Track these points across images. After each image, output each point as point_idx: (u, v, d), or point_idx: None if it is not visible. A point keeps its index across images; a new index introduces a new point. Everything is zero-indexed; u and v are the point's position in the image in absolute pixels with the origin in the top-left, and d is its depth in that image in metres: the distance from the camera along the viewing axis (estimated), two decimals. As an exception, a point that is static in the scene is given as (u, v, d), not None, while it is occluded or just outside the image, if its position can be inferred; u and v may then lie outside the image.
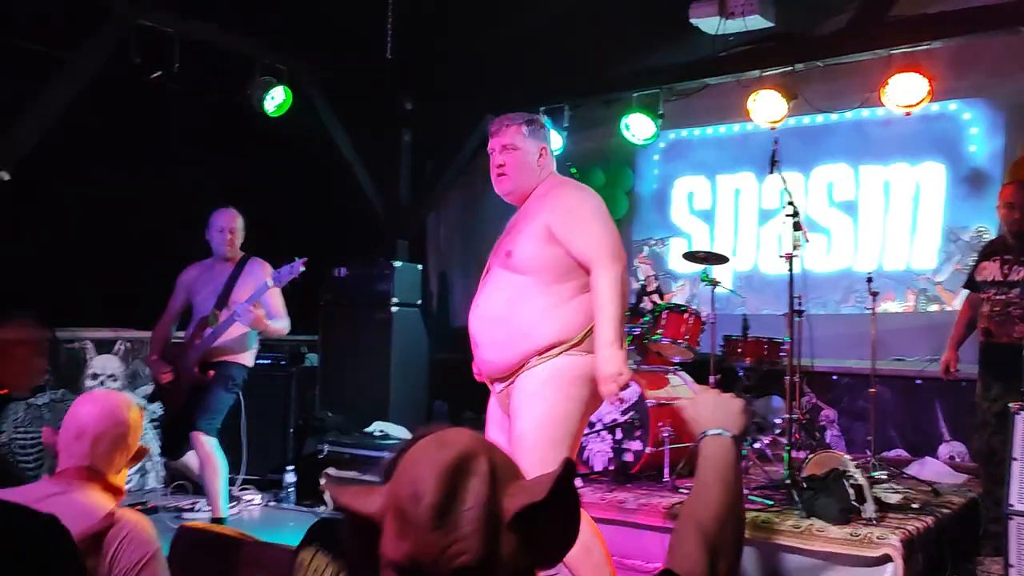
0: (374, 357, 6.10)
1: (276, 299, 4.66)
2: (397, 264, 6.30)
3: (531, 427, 2.76)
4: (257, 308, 4.50)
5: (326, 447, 5.49)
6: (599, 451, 4.90)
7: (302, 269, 4.47)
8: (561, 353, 2.79)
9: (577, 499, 1.05)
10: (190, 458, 4.72)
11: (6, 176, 4.72)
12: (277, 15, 5.74)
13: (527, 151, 2.97)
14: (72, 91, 5.13)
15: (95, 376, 5.60)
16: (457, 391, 6.89)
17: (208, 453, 4.52)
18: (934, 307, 5.85)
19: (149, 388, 5.82)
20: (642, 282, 5.99)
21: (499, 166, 2.97)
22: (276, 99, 5.98)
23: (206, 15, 5.57)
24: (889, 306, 5.87)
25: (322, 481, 5.37)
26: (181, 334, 4.89)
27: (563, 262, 2.82)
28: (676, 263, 6.76)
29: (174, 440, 4.71)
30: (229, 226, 4.73)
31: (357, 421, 5.80)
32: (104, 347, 5.66)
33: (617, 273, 2.77)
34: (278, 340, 6.09)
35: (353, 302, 6.31)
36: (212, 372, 4.59)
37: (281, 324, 4.71)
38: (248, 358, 4.78)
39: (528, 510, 1.01)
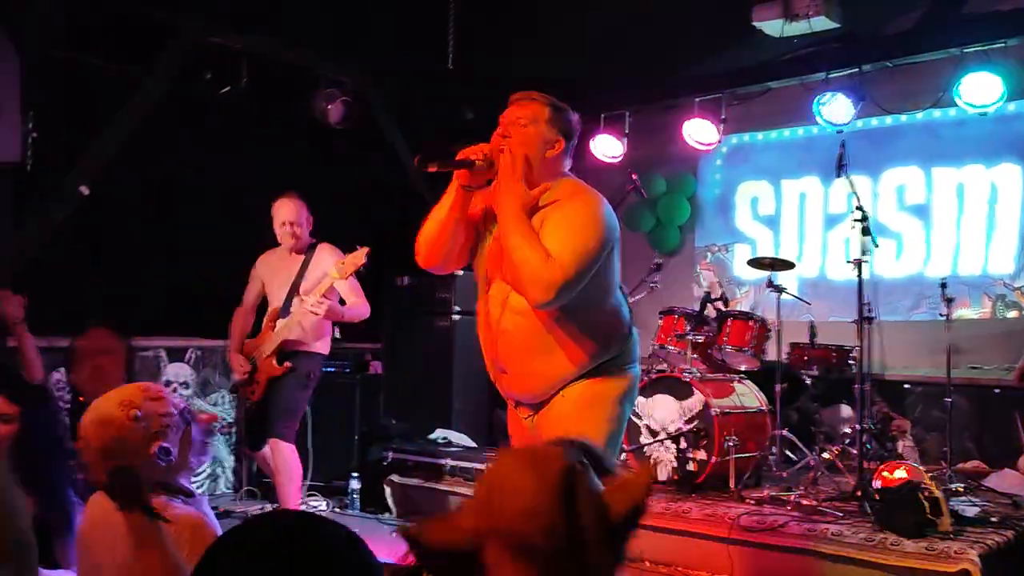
0: (436, 365, 6.15)
1: (347, 286, 4.54)
2: (459, 272, 6.32)
3: None
4: (328, 299, 4.39)
5: (390, 454, 5.55)
6: (663, 460, 4.85)
7: (365, 261, 4.40)
8: (591, 376, 2.64)
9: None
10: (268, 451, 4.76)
11: (86, 190, 4.89)
12: (339, 27, 5.84)
13: (541, 135, 2.58)
14: (146, 108, 5.30)
15: (168, 383, 5.76)
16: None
17: (284, 460, 4.52)
18: (1012, 313, 5.64)
19: (219, 395, 6.00)
20: (706, 289, 5.90)
21: (502, 136, 2.58)
22: (338, 111, 6.08)
23: (270, 30, 5.71)
24: (964, 312, 5.67)
25: (387, 489, 5.43)
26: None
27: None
28: (740, 269, 6.66)
29: (256, 433, 4.72)
30: (290, 219, 4.63)
31: (420, 428, 5.85)
32: (176, 355, 5.82)
33: (549, 277, 2.39)
34: (343, 348, 6.20)
35: (415, 311, 6.37)
36: (288, 364, 4.55)
37: (357, 310, 4.58)
38: (323, 346, 4.71)
39: (633, 511, 1.04)
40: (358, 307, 4.59)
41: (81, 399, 4.72)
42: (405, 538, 1.08)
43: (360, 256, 4.36)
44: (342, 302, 4.56)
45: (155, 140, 5.44)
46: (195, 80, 5.42)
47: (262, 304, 4.79)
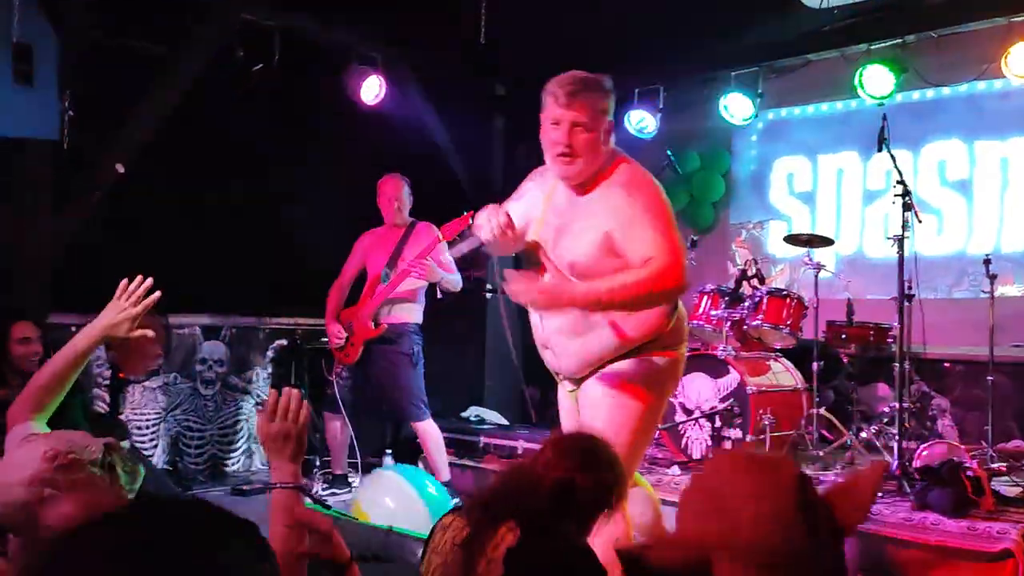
0: (469, 343, 6.16)
1: (444, 256, 4.84)
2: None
3: (605, 426, 2.63)
4: (428, 261, 4.68)
5: (423, 431, 5.56)
6: (697, 439, 4.82)
7: (469, 222, 4.49)
8: (636, 352, 2.69)
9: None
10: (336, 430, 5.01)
11: (121, 169, 4.93)
12: (371, 5, 5.80)
13: (601, 131, 2.58)
14: (182, 86, 5.32)
15: (203, 361, 5.82)
16: (548, 377, 6.88)
17: (425, 435, 4.84)
18: (1057, 290, 5.51)
19: (254, 372, 6.05)
20: (741, 267, 5.82)
21: (566, 145, 2.55)
22: (371, 88, 6.06)
23: (301, 6, 5.69)
24: (1007, 290, 5.54)
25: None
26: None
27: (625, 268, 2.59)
28: (776, 247, 6.56)
29: (359, 406, 4.98)
30: (395, 194, 4.97)
31: (453, 406, 5.86)
32: (211, 333, 5.88)
33: (663, 285, 2.47)
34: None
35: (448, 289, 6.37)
36: (384, 324, 4.81)
37: (453, 276, 4.88)
38: (418, 313, 4.97)
39: (860, 519, 1.02)
40: (452, 275, 4.88)
41: (120, 375, 4.81)
42: (624, 561, 1.02)
43: (465, 220, 4.51)
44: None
45: (192, 118, 5.47)
46: (229, 58, 5.42)
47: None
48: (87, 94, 4.87)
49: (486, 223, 2.65)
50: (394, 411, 5.04)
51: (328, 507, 3.53)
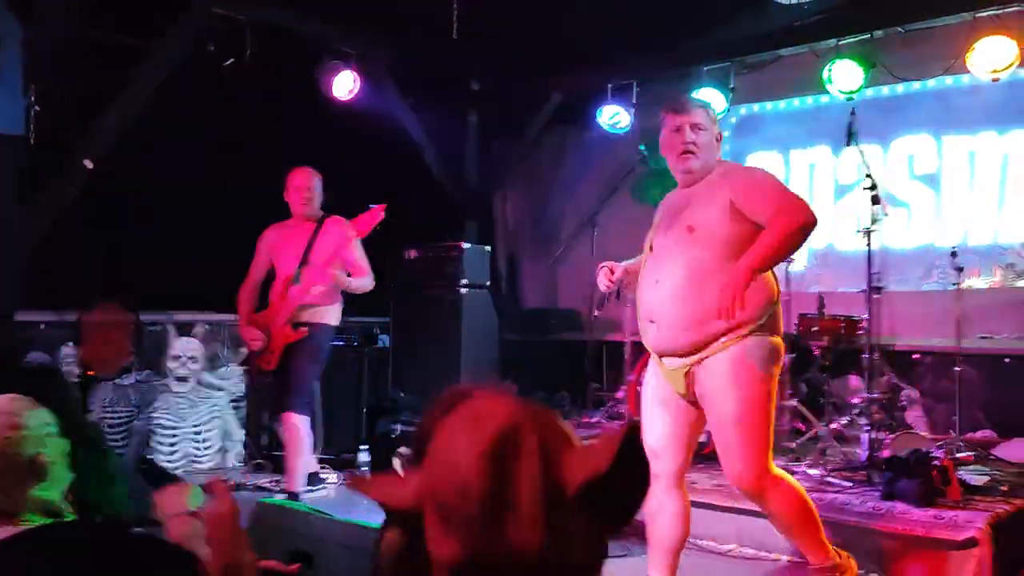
0: (444, 338, 6.15)
1: (356, 253, 4.62)
2: (466, 245, 6.33)
3: (739, 410, 2.82)
4: (334, 268, 4.47)
5: (398, 427, 5.57)
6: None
7: (382, 216, 4.46)
8: (751, 333, 2.83)
9: (644, 460, 0.95)
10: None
11: (90, 164, 4.88)
12: (343, 0, 5.78)
13: (712, 132, 3.02)
14: (154, 81, 5.27)
15: (176, 358, 5.78)
16: (527, 371, 6.90)
17: (294, 431, 4.57)
18: (1023, 282, 5.59)
19: (228, 369, 6.02)
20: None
21: (689, 142, 2.96)
22: (344, 83, 6.03)
23: (275, 1, 5.65)
24: (974, 282, 5.62)
25: (396, 462, 5.45)
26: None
27: (745, 238, 2.82)
28: (749, 240, 6.61)
29: (277, 402, 4.78)
30: (306, 184, 4.70)
31: (429, 401, 5.84)
32: (184, 329, 5.84)
33: (798, 221, 2.79)
34: (351, 322, 6.19)
35: (423, 284, 6.36)
36: (304, 329, 4.58)
37: (363, 281, 4.66)
38: (333, 316, 4.75)
39: (593, 481, 0.90)
40: (362, 279, 4.65)
41: (90, 373, 4.76)
42: (355, 488, 1.01)
43: (377, 213, 4.39)
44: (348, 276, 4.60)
45: (163, 113, 5.42)
46: (200, 53, 5.38)
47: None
48: (58, 88, 4.82)
49: (601, 280, 3.14)
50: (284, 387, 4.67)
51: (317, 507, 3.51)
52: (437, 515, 0.91)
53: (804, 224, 2.81)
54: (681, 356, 2.89)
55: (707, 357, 2.84)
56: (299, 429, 4.58)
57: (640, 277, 3.04)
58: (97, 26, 5.08)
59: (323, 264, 4.51)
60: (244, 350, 4.84)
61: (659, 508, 2.96)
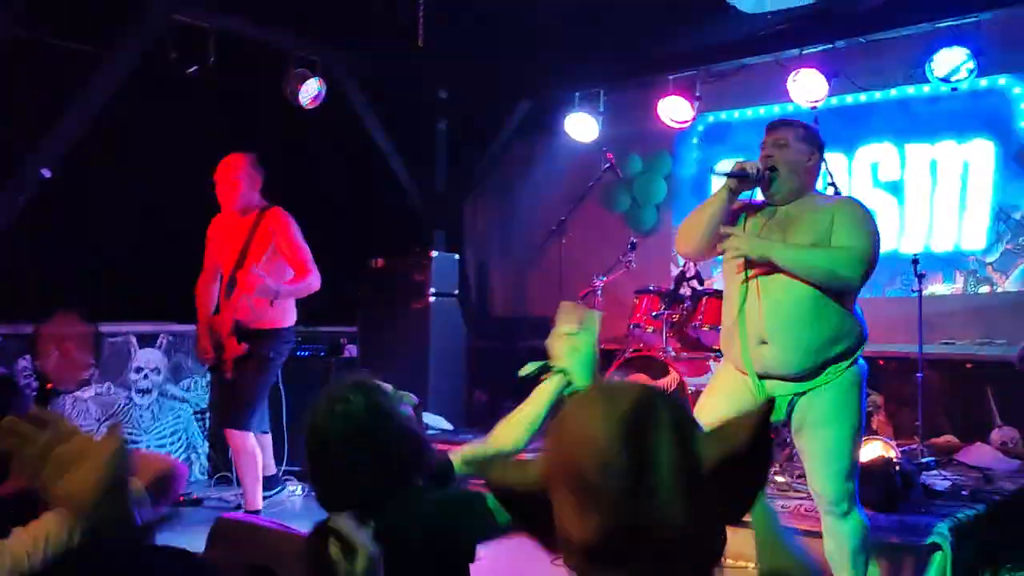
0: (412, 347, 6.11)
1: (293, 251, 4.27)
2: (434, 254, 6.30)
3: (846, 436, 2.89)
4: (263, 278, 4.11)
5: (366, 437, 5.50)
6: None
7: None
8: (853, 363, 2.93)
9: (771, 443, 0.96)
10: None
11: (48, 173, 4.79)
12: (309, 6, 5.74)
13: (798, 150, 2.99)
14: (111, 89, 5.19)
15: (139, 370, 5.69)
16: (497, 380, 6.87)
17: (240, 448, 4.42)
18: (984, 288, 5.68)
19: (192, 381, 5.93)
20: (681, 267, 5.90)
21: (766, 157, 2.98)
22: (310, 91, 5.98)
23: (240, 9, 5.60)
24: (937, 288, 5.70)
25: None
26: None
27: None
28: (716, 248, 6.65)
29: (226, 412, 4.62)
30: (237, 175, 4.31)
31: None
32: (147, 341, 5.75)
33: (855, 256, 2.83)
34: (317, 332, 6.14)
35: (391, 293, 6.33)
36: (245, 345, 4.32)
37: (302, 283, 4.23)
38: (284, 316, 4.41)
39: (730, 460, 0.89)
40: (303, 280, 4.25)
41: (48, 386, 4.67)
42: (483, 474, 1.01)
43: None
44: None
45: (121, 121, 5.35)
46: (161, 59, 5.31)
47: None
48: (11, 95, 4.73)
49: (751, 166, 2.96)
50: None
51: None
52: (573, 493, 0.88)
53: (850, 276, 2.88)
54: (791, 380, 2.89)
55: (817, 387, 2.90)
56: (243, 445, 4.40)
57: (735, 290, 2.97)
58: (50, 32, 4.99)
59: (246, 282, 4.17)
60: (206, 359, 4.68)
61: None
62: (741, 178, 2.93)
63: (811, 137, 3.05)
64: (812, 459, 2.96)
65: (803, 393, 2.90)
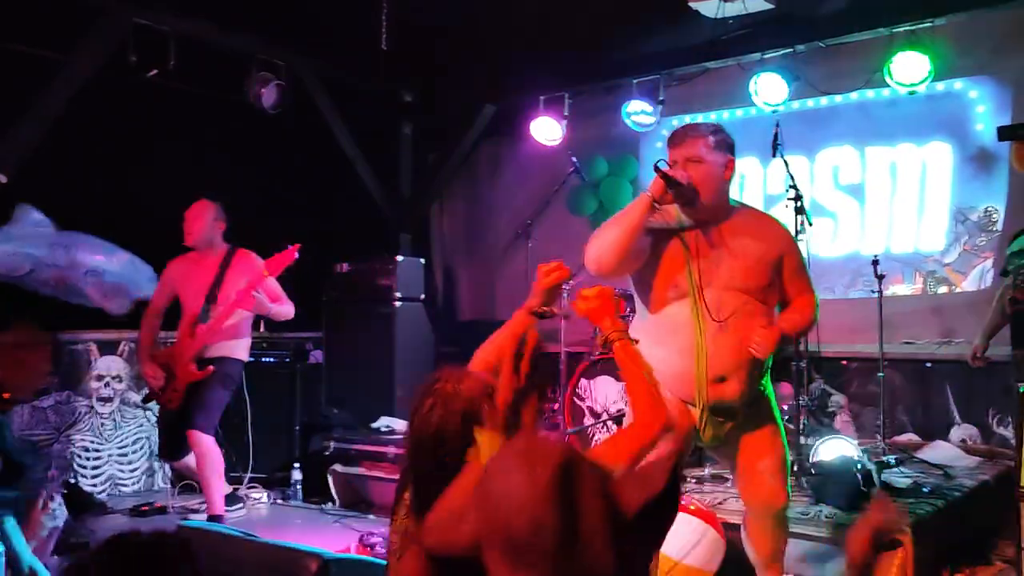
0: (378, 353, 6.08)
1: (273, 286, 4.62)
2: (400, 259, 6.28)
3: (781, 461, 3.02)
4: (256, 294, 4.49)
5: (332, 444, 5.48)
6: (605, 442, 4.87)
7: (296, 256, 4.44)
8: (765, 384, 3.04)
9: (679, 477, 1.08)
10: (191, 459, 4.70)
11: (3, 179, 4.71)
12: (272, 10, 5.70)
13: (714, 162, 2.85)
14: (70, 92, 5.12)
15: (100, 378, 5.60)
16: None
17: (205, 451, 4.49)
18: (943, 289, 5.77)
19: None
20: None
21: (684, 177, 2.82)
22: (274, 94, 5.93)
23: (201, 12, 5.54)
24: (897, 289, 5.79)
25: (330, 479, 5.34)
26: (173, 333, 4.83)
27: (772, 289, 2.96)
28: (681, 251, 6.69)
29: (175, 441, 4.69)
30: (203, 223, 4.64)
31: (363, 417, 5.78)
32: (108, 348, 5.66)
33: (814, 311, 3.04)
34: (282, 338, 6.10)
35: (356, 298, 6.28)
36: (211, 368, 4.54)
37: (284, 308, 4.68)
38: (243, 351, 4.74)
39: (651, 501, 0.99)
40: (283, 306, 4.67)
41: (6, 396, 4.56)
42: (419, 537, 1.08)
43: (291, 254, 4.36)
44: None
45: (84, 124, 5.27)
46: (121, 62, 5.23)
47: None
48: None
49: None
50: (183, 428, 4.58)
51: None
52: (505, 555, 0.94)
53: (816, 311, 3.05)
54: (729, 411, 2.89)
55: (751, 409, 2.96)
56: (207, 447, 4.50)
57: (686, 332, 2.84)
58: (8, 35, 4.90)
59: (241, 294, 4.48)
60: (146, 389, 4.74)
61: None
62: (675, 187, 2.77)
63: (722, 143, 2.90)
64: (747, 467, 3.00)
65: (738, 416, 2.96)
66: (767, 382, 3.05)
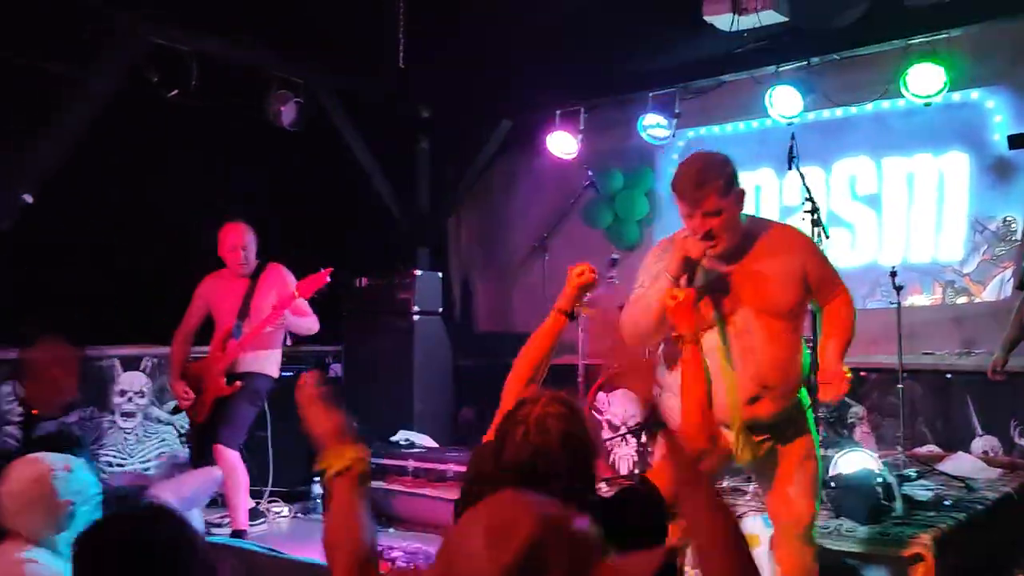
0: (397, 366, 6.12)
1: (301, 304, 4.70)
2: (418, 272, 6.32)
3: (813, 486, 2.99)
4: (286, 313, 4.58)
5: (352, 457, 5.49)
6: (624, 455, 4.88)
7: (327, 280, 4.51)
8: (800, 404, 2.99)
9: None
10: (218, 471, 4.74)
11: (30, 199, 4.78)
12: (290, 28, 5.78)
13: (730, 206, 2.78)
14: (91, 112, 5.20)
15: (123, 393, 5.67)
16: (482, 398, 6.88)
17: (231, 466, 4.54)
18: (962, 299, 5.74)
19: (176, 403, 5.90)
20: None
21: (705, 232, 2.76)
22: (292, 111, 6.01)
23: (220, 31, 5.63)
24: (916, 299, 5.77)
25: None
26: (204, 348, 4.91)
27: (802, 307, 2.97)
28: (698, 262, 6.69)
29: (202, 453, 4.73)
30: (239, 243, 4.69)
31: (382, 430, 5.82)
32: (131, 364, 5.73)
33: (853, 309, 3.04)
34: (302, 352, 6.14)
35: (375, 312, 6.34)
36: (239, 383, 4.59)
37: (309, 322, 4.76)
38: (273, 367, 4.77)
39: None
40: (308, 320, 4.76)
41: (33, 412, 4.64)
42: None
43: (323, 277, 4.41)
44: None
45: (105, 143, 5.35)
46: (143, 83, 5.32)
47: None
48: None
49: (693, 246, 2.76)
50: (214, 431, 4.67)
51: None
52: None
53: (853, 303, 3.05)
54: (769, 426, 2.90)
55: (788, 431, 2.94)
56: (233, 463, 4.55)
57: (716, 356, 2.84)
58: (27, 55, 4.99)
59: (271, 313, 4.57)
60: (178, 403, 4.82)
61: None
62: (688, 269, 2.76)
63: (731, 180, 2.80)
64: (780, 489, 2.98)
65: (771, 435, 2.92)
66: (804, 395, 3.02)
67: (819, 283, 2.95)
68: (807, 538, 2.99)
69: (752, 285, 2.85)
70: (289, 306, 4.57)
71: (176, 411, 5.13)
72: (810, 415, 3.03)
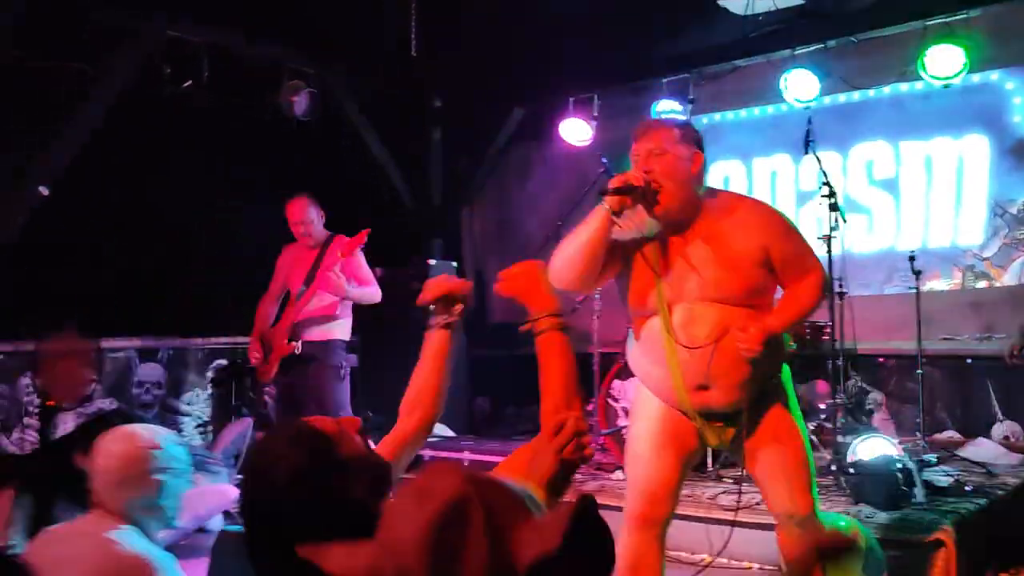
0: (412, 357, 6.09)
1: (357, 268, 4.73)
2: (432, 262, 6.31)
3: (804, 467, 2.70)
4: (337, 275, 4.55)
5: (368, 447, 5.51)
6: (640, 442, 4.84)
7: (364, 240, 4.56)
8: (781, 384, 2.73)
9: (602, 533, 0.90)
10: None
11: (45, 191, 4.81)
12: (301, 19, 5.77)
13: (678, 156, 2.59)
14: (106, 106, 5.21)
15: (140, 384, 5.70)
16: (497, 387, 6.88)
17: None
18: (982, 283, 5.68)
19: (194, 394, 5.94)
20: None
21: (646, 172, 2.57)
22: (304, 102, 6.01)
23: (231, 24, 5.62)
24: (935, 284, 5.71)
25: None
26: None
27: (765, 287, 2.67)
28: (714, 249, 6.66)
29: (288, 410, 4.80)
30: (299, 219, 4.75)
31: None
32: (148, 356, 5.76)
33: (822, 289, 2.73)
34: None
35: (389, 302, 6.31)
36: (294, 344, 4.65)
37: (364, 290, 4.77)
38: (342, 329, 4.81)
39: (544, 560, 0.84)
40: (365, 288, 4.79)
41: (50, 403, 4.68)
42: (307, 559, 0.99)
43: (361, 237, 4.50)
44: None
45: (117, 137, 5.36)
46: (155, 75, 5.33)
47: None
48: (7, 114, 4.75)
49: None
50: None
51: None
52: None
53: (824, 289, 2.75)
54: (727, 416, 2.67)
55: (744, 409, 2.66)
56: None
57: (647, 340, 2.68)
58: (43, 52, 5.01)
59: (321, 276, 4.61)
60: (253, 360, 4.86)
61: (641, 560, 2.69)
62: (625, 193, 2.52)
63: (689, 135, 2.65)
64: (769, 475, 2.71)
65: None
66: (787, 379, 2.76)
67: (783, 264, 2.63)
68: (807, 527, 2.73)
69: (701, 270, 2.61)
70: (334, 266, 4.58)
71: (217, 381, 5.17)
72: (790, 399, 2.73)
